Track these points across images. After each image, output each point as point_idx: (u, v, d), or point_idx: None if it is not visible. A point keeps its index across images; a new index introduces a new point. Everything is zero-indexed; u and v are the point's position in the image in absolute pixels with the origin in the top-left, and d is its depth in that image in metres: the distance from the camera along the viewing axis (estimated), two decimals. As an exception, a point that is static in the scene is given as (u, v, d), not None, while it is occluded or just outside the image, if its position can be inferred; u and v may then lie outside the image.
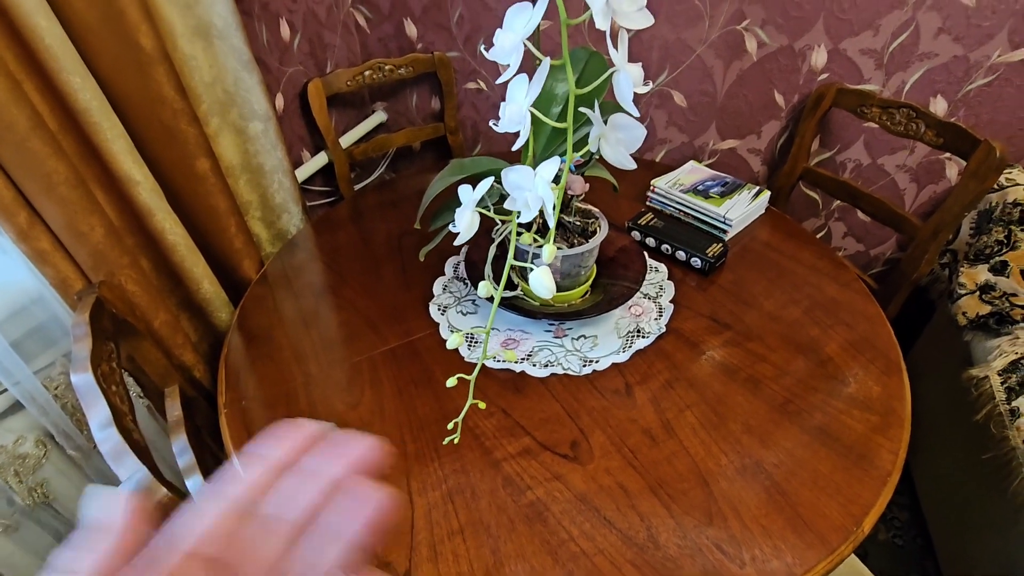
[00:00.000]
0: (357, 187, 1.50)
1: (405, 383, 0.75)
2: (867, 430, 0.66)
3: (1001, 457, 0.88)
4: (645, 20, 0.35)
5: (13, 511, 0.73)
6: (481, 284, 0.49)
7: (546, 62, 0.38)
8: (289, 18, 1.18)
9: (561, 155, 0.75)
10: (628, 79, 0.38)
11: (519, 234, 0.45)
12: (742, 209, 0.99)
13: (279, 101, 1.20)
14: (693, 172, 1.11)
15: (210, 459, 0.80)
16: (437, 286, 0.91)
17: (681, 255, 0.93)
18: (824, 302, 0.85)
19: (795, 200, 1.34)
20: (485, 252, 0.81)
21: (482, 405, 0.53)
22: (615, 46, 0.38)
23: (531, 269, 0.42)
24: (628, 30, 0.38)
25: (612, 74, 0.40)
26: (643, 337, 0.80)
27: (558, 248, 0.76)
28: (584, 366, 0.76)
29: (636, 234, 0.98)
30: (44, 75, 0.64)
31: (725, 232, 0.99)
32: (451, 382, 0.49)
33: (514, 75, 0.39)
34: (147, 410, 0.86)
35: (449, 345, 0.46)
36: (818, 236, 1.38)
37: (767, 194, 1.03)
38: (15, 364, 0.69)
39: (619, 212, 1.05)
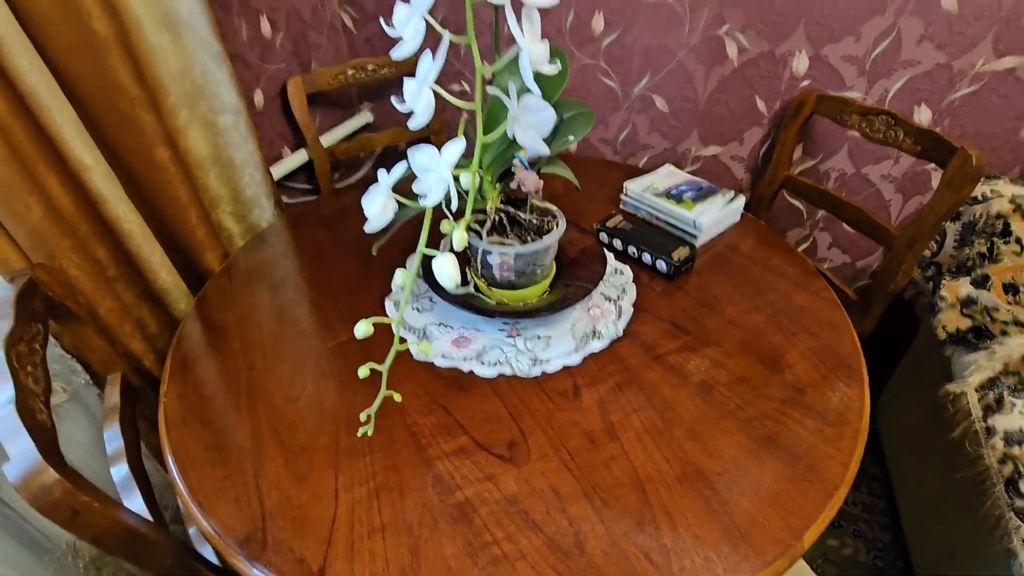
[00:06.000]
0: (340, 185, 1.50)
1: (350, 379, 0.73)
2: (819, 441, 0.64)
3: (975, 477, 0.84)
4: None
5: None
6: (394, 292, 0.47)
7: (446, 36, 0.36)
8: (270, 15, 1.19)
9: (509, 150, 0.73)
10: (528, 58, 0.37)
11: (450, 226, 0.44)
12: (714, 214, 0.97)
13: (258, 97, 1.20)
14: (669, 176, 1.09)
15: (153, 450, 0.79)
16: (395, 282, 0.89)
17: (647, 258, 0.91)
18: (790, 310, 0.82)
19: (779, 209, 1.32)
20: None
21: (397, 397, 0.51)
22: (520, 26, 0.36)
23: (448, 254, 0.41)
24: (537, 9, 0.37)
25: (517, 54, 0.38)
26: (599, 339, 0.78)
27: (510, 245, 0.74)
28: (533, 366, 0.74)
29: (603, 236, 0.96)
30: (-9, 57, 0.64)
31: (695, 237, 0.96)
32: (363, 372, 0.48)
33: (409, 51, 0.37)
34: (98, 398, 0.85)
35: (357, 334, 0.44)
36: (802, 247, 1.35)
37: (742, 199, 1.01)
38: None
39: (591, 215, 1.03)
